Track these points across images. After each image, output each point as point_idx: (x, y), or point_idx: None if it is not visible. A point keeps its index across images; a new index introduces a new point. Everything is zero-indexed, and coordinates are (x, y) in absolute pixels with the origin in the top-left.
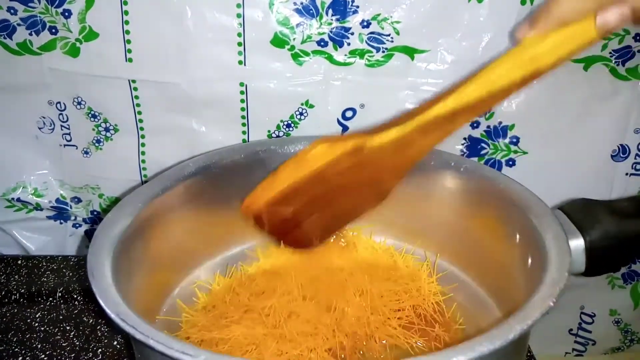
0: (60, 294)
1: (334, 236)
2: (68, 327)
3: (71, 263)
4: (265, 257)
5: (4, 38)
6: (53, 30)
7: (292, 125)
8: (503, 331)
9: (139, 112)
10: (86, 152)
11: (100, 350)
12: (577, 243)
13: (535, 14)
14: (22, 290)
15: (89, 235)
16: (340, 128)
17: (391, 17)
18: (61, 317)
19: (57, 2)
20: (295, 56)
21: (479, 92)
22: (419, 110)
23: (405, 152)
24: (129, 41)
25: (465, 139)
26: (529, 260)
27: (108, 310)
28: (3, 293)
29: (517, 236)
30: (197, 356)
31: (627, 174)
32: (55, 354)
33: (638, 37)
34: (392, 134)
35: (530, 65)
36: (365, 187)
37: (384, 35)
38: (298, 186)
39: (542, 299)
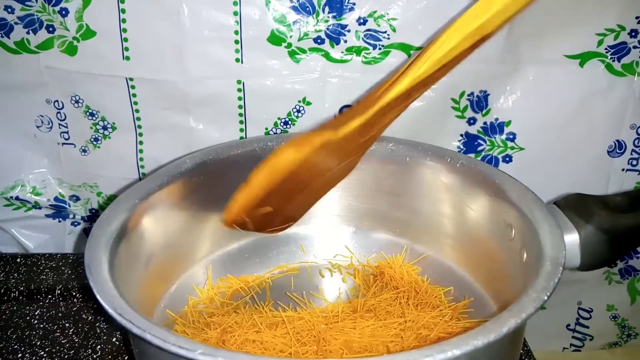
0: (59, 292)
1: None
2: (67, 324)
3: (70, 261)
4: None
5: (1, 37)
6: (50, 28)
7: (290, 122)
8: (497, 325)
9: (137, 110)
10: (84, 151)
11: (99, 347)
12: (572, 238)
13: None
14: (22, 288)
15: (87, 233)
16: None
17: (387, 14)
18: (60, 315)
19: (54, 1)
20: (292, 53)
21: (431, 69)
22: (376, 94)
23: (367, 133)
24: (126, 39)
25: (462, 135)
26: (524, 255)
27: (105, 305)
28: (2, 291)
29: (513, 231)
30: (194, 350)
31: (623, 169)
32: (54, 350)
33: (633, 33)
34: (355, 123)
35: (478, 34)
36: (334, 169)
37: (381, 32)
38: (272, 189)
39: (537, 292)
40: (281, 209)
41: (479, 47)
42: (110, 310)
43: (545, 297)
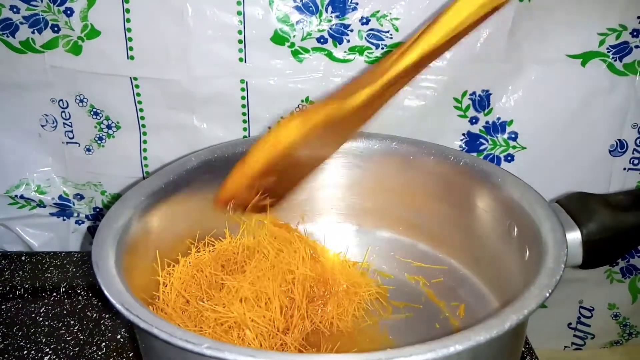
0: (64, 289)
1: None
2: (72, 322)
3: (74, 259)
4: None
5: (7, 36)
6: (55, 28)
7: None
8: (500, 320)
9: (141, 109)
10: (88, 149)
11: (104, 344)
12: (574, 235)
13: None
14: (27, 286)
15: (91, 231)
16: None
17: (390, 13)
18: (65, 312)
19: (59, 1)
20: (295, 53)
21: (439, 38)
22: (385, 64)
23: (372, 106)
24: (130, 39)
25: (464, 134)
26: (527, 253)
27: (113, 300)
28: (8, 289)
29: (515, 229)
30: (201, 344)
31: (624, 168)
32: (59, 347)
33: (635, 33)
34: (362, 95)
35: (491, 4)
36: (333, 141)
37: (383, 32)
38: (270, 166)
39: (539, 289)
40: (275, 186)
41: (489, 17)
42: (118, 305)
43: (547, 294)
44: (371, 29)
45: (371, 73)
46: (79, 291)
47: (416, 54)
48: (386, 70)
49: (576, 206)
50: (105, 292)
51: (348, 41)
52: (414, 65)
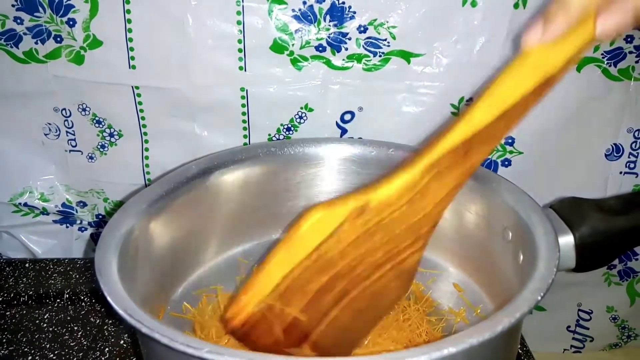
0: (67, 296)
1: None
2: (76, 328)
3: (78, 265)
4: None
5: (11, 47)
6: (58, 38)
7: (292, 128)
8: (492, 324)
9: (143, 118)
10: (91, 157)
11: (107, 349)
12: (567, 239)
13: (547, 14)
14: (31, 293)
15: (94, 238)
16: (339, 131)
17: (387, 22)
18: (69, 318)
19: (62, 12)
20: (294, 61)
21: (489, 113)
22: (426, 148)
23: (420, 206)
24: (132, 48)
25: None
26: (521, 257)
27: (115, 306)
28: (12, 295)
29: (509, 233)
30: (201, 348)
31: (621, 172)
32: (63, 353)
33: (629, 39)
34: (398, 181)
35: (539, 72)
36: (381, 268)
37: (381, 39)
38: (295, 277)
39: (531, 293)
40: (308, 327)
41: (544, 92)
42: (120, 311)
43: (539, 297)
44: (369, 37)
45: (411, 158)
46: (82, 297)
47: (460, 133)
48: (424, 154)
49: (569, 211)
50: (108, 298)
51: (346, 49)
52: (460, 149)
